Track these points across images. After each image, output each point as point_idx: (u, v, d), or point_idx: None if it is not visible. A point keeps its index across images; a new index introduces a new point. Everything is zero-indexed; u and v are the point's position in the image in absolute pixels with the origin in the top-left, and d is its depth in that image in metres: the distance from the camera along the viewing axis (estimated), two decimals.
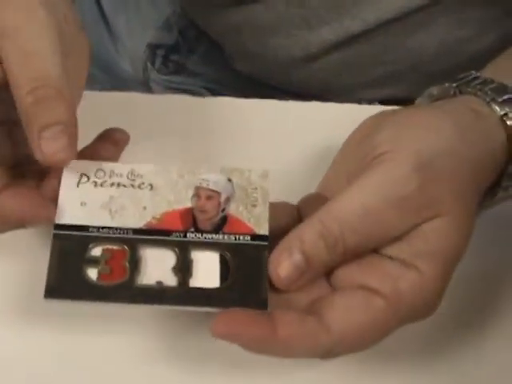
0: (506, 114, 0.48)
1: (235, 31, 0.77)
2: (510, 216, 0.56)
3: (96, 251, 0.45)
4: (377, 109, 0.50)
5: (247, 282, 0.44)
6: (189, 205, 0.46)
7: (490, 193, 0.49)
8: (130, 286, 0.44)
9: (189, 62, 0.86)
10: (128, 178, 0.47)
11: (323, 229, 0.43)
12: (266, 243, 0.45)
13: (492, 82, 0.50)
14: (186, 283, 0.44)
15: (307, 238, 0.43)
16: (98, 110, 0.55)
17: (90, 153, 0.49)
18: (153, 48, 0.86)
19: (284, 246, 0.44)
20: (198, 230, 0.45)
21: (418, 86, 0.55)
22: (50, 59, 0.45)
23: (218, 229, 0.45)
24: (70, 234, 0.45)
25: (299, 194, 0.50)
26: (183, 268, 0.44)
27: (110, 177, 0.47)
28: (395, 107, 0.51)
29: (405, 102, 0.58)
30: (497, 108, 0.48)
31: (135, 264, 0.44)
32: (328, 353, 0.43)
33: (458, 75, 0.52)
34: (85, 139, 0.48)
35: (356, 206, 0.43)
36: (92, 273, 0.44)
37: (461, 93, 0.51)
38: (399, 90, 0.78)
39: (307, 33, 0.72)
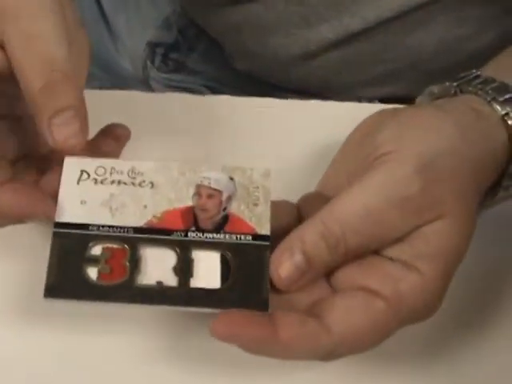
0: (507, 114, 0.48)
1: (234, 30, 0.76)
2: (510, 216, 0.56)
3: (96, 250, 0.44)
4: (377, 107, 0.50)
5: (248, 282, 0.44)
6: (190, 203, 0.46)
7: (490, 192, 0.49)
8: (130, 286, 0.43)
9: (189, 60, 0.85)
10: (129, 175, 0.46)
11: (325, 229, 0.43)
12: (267, 243, 0.45)
13: (493, 81, 0.50)
14: (187, 283, 0.44)
15: (308, 238, 0.43)
16: (98, 109, 0.55)
17: (92, 148, 0.48)
18: (152, 46, 0.86)
19: (285, 246, 0.44)
20: (199, 229, 0.45)
21: (417, 84, 0.55)
22: (55, 42, 0.44)
23: (219, 228, 0.45)
24: (70, 233, 0.44)
25: (299, 191, 0.50)
26: (184, 268, 0.44)
27: (111, 174, 0.46)
28: (395, 106, 0.51)
29: (404, 99, 0.58)
30: (498, 107, 0.48)
31: (135, 263, 0.44)
32: (329, 355, 0.43)
33: (458, 73, 0.52)
34: None
35: (358, 206, 0.43)
36: (92, 272, 0.44)
37: (461, 92, 0.50)
38: (399, 88, 0.78)
39: (306, 31, 0.72)
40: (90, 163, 0.46)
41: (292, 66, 0.76)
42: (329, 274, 0.45)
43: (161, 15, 0.86)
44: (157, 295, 0.43)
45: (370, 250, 0.44)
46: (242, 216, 0.46)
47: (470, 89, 0.50)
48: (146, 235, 0.45)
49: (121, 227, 0.45)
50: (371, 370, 0.50)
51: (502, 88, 0.49)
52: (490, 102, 0.48)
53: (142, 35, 0.86)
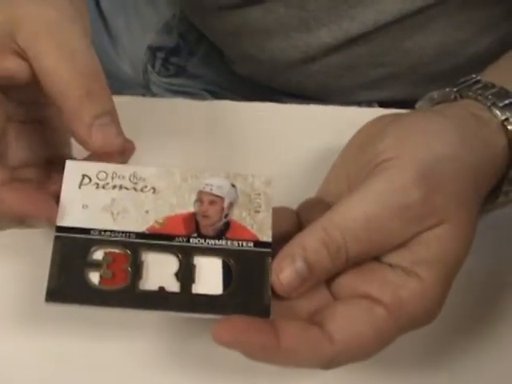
0: (507, 119, 0.48)
1: (234, 34, 0.76)
2: (511, 216, 0.56)
3: (98, 255, 0.44)
4: (377, 112, 0.50)
5: (250, 288, 0.44)
6: (191, 209, 0.46)
7: (490, 197, 0.49)
8: (132, 291, 0.43)
9: (189, 64, 0.86)
10: (130, 180, 0.46)
11: (326, 236, 0.43)
12: (268, 250, 0.45)
13: (493, 86, 0.50)
14: (189, 289, 0.44)
15: (309, 245, 0.43)
16: None
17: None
18: (153, 50, 0.86)
19: (286, 252, 0.44)
20: (200, 236, 0.45)
21: (416, 88, 0.55)
22: (89, 54, 0.46)
23: (220, 234, 0.45)
24: (72, 237, 0.44)
25: (298, 196, 0.50)
26: (186, 274, 0.44)
27: (112, 179, 0.46)
28: (395, 110, 0.51)
29: (404, 103, 0.58)
30: (498, 113, 0.48)
31: (137, 269, 0.44)
32: (330, 363, 0.43)
33: (457, 77, 0.52)
34: None
35: (359, 213, 0.43)
36: (94, 277, 0.44)
37: (461, 97, 0.51)
38: (398, 91, 0.77)
39: (306, 35, 0.72)
40: (92, 168, 0.46)
41: (291, 69, 0.76)
42: (329, 280, 0.45)
43: (161, 19, 0.87)
44: (159, 301, 0.43)
45: (371, 257, 0.44)
46: (243, 223, 0.46)
47: (470, 94, 0.50)
48: (147, 240, 0.45)
49: (123, 232, 0.45)
50: (371, 378, 0.50)
51: (502, 93, 0.49)
52: (489, 107, 0.49)
53: (143, 39, 0.86)
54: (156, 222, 0.45)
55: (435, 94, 0.52)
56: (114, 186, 0.46)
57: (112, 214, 0.45)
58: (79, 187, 0.46)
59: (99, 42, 0.85)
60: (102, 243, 0.45)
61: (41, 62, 0.45)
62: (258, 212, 0.46)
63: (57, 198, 0.45)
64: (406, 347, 0.46)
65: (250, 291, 0.44)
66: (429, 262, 0.43)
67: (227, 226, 0.46)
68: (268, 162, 0.57)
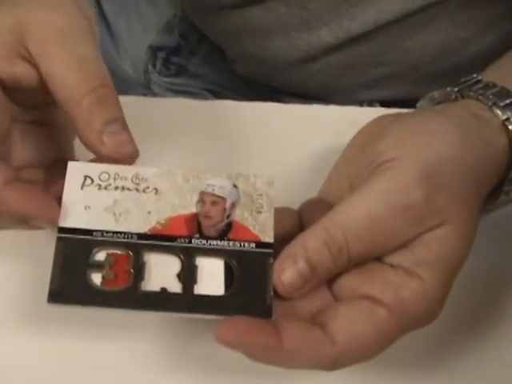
0: (508, 119, 0.48)
1: (235, 34, 0.76)
2: (511, 216, 0.56)
3: (100, 256, 0.44)
4: (379, 111, 0.51)
5: (252, 289, 0.44)
6: (193, 210, 0.46)
7: (491, 197, 0.49)
8: (134, 292, 0.43)
9: (190, 63, 0.86)
10: (132, 181, 0.46)
11: (327, 236, 0.43)
12: (270, 251, 0.45)
13: (494, 86, 0.50)
14: (191, 290, 0.44)
15: (311, 245, 0.43)
16: None
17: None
18: (154, 50, 0.86)
19: (288, 253, 0.44)
20: (202, 236, 0.45)
21: (417, 87, 0.55)
22: (99, 61, 0.47)
23: (222, 235, 0.45)
24: (74, 238, 0.44)
25: (300, 197, 0.50)
26: (188, 274, 0.44)
27: (115, 180, 0.46)
28: (397, 110, 0.51)
29: (405, 102, 0.58)
30: (499, 112, 0.48)
31: (139, 270, 0.44)
32: (332, 364, 0.43)
33: (458, 76, 0.52)
34: None
35: (360, 213, 0.43)
36: (96, 278, 0.44)
37: (462, 97, 0.51)
38: (399, 90, 0.77)
39: (307, 34, 0.72)
40: (94, 168, 0.46)
41: (292, 69, 0.76)
42: (330, 281, 0.45)
43: (162, 19, 0.87)
44: (161, 302, 0.43)
45: (373, 257, 0.44)
46: (245, 223, 0.46)
47: (471, 94, 0.50)
48: (150, 241, 0.45)
49: (125, 233, 0.45)
50: (372, 378, 0.50)
51: (503, 93, 0.49)
52: (490, 107, 0.49)
53: (143, 39, 0.87)
54: (158, 222, 0.45)
55: (436, 94, 0.52)
56: (116, 187, 0.46)
57: (114, 214, 0.45)
58: (81, 188, 0.46)
59: (100, 42, 0.85)
60: (104, 244, 0.45)
61: (50, 68, 0.45)
62: (260, 212, 0.46)
63: (59, 199, 0.45)
64: (406, 347, 0.46)
65: (251, 292, 0.44)
66: (430, 263, 0.43)
67: (229, 226, 0.45)
68: (270, 161, 0.57)
